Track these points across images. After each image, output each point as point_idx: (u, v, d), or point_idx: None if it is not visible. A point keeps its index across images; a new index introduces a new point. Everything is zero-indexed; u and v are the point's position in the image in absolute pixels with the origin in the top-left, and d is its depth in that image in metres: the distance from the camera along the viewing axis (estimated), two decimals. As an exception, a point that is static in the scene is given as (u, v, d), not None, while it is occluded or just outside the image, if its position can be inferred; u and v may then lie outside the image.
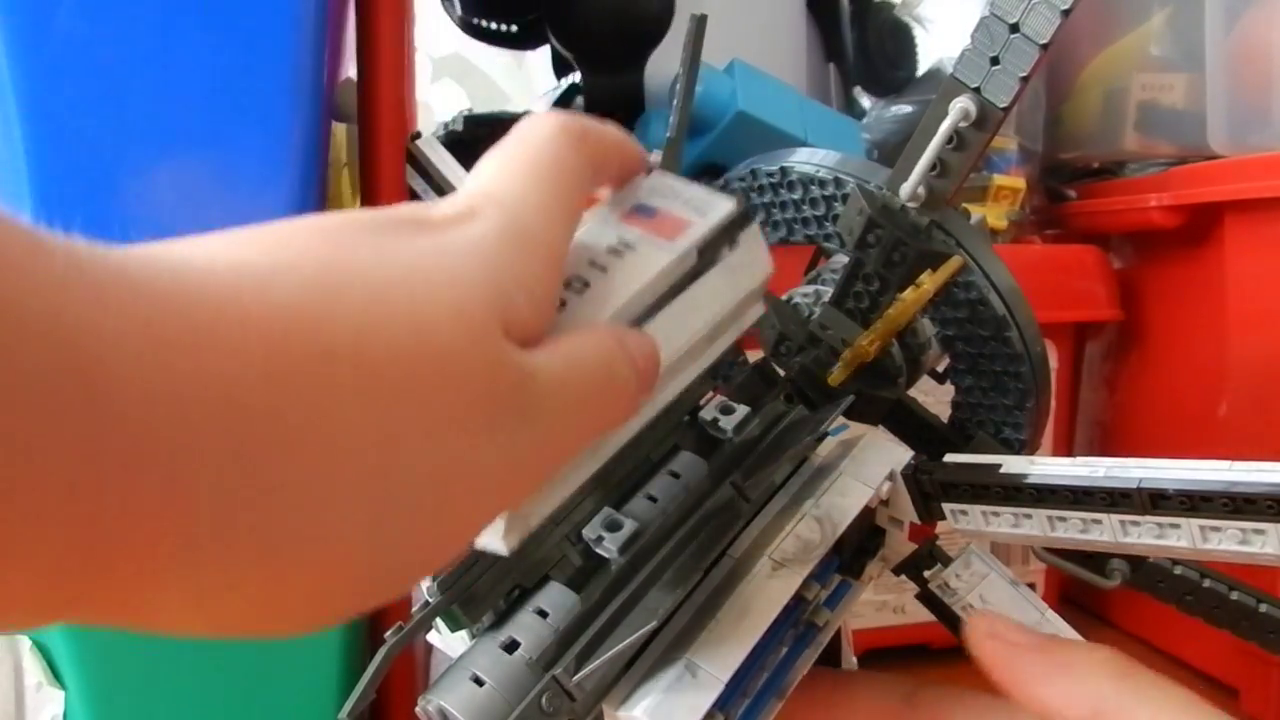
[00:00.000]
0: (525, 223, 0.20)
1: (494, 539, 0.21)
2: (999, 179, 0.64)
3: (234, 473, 0.14)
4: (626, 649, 0.23)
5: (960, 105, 0.27)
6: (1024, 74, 0.26)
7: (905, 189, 0.29)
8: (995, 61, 0.27)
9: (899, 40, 0.74)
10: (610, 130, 0.24)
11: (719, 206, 0.24)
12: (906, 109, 0.71)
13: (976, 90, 0.27)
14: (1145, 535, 0.23)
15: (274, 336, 0.15)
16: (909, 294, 0.28)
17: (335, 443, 0.16)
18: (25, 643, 0.45)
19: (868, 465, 0.28)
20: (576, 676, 0.22)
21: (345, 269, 0.17)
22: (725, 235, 0.24)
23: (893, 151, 0.67)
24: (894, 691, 0.27)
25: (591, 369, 0.20)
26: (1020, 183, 0.65)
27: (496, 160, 0.22)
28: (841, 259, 0.31)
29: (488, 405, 0.18)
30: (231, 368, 0.15)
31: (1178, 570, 0.28)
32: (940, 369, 0.34)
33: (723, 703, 0.23)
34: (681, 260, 0.23)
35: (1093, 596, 0.67)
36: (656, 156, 0.38)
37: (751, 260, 0.25)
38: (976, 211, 0.63)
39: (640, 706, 0.23)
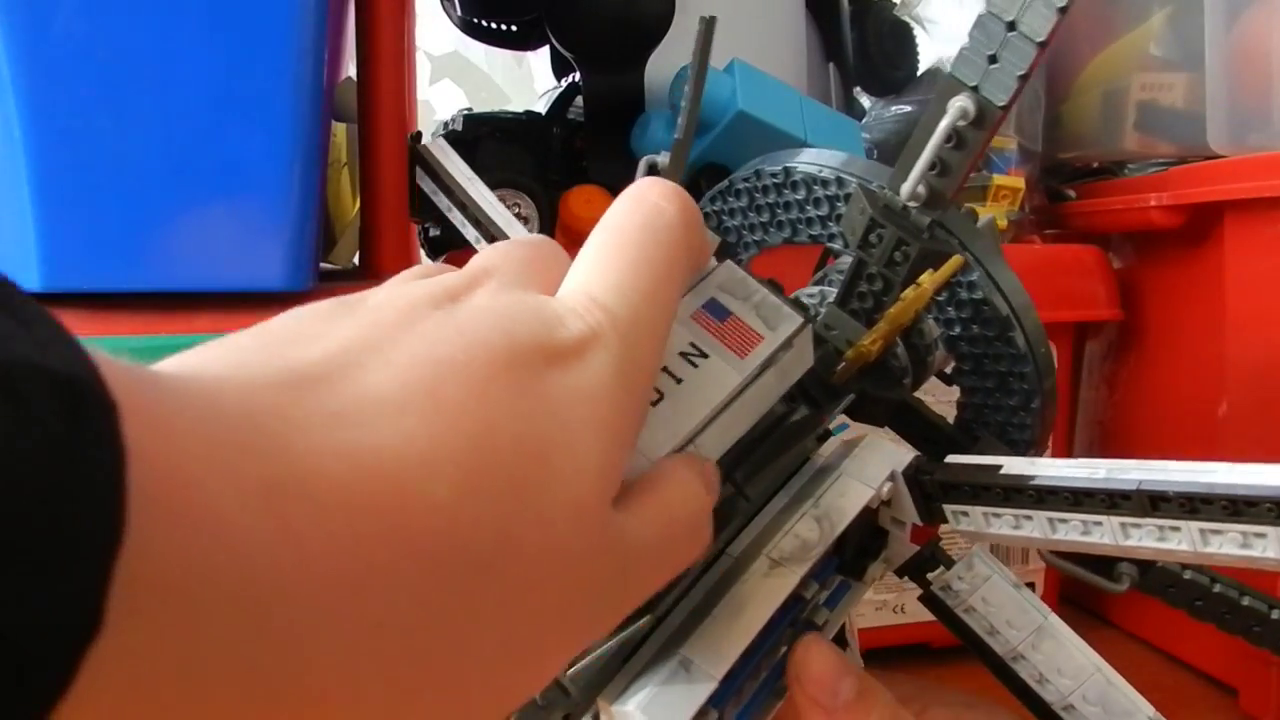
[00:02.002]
0: (639, 357, 0.20)
1: None
2: (999, 179, 0.64)
3: (378, 685, 0.15)
4: (618, 644, 0.23)
5: (959, 104, 0.27)
6: (1022, 72, 0.26)
7: (905, 188, 0.28)
8: (993, 60, 0.26)
9: (899, 40, 0.73)
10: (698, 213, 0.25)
11: (786, 321, 0.25)
12: (906, 109, 0.71)
13: (975, 89, 0.27)
14: (1146, 538, 0.23)
15: (426, 550, 0.16)
16: (909, 293, 0.28)
17: (465, 647, 0.17)
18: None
19: (868, 465, 0.28)
20: (570, 670, 0.23)
21: (492, 456, 0.17)
22: (787, 345, 0.25)
23: (893, 151, 0.67)
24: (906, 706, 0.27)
25: (684, 529, 0.21)
26: (1020, 183, 0.65)
27: (617, 248, 0.22)
28: (848, 259, 0.31)
29: (593, 588, 0.19)
30: (387, 586, 0.15)
31: (1188, 575, 0.28)
32: (948, 371, 0.34)
33: (718, 700, 0.23)
34: (748, 378, 0.24)
35: (1093, 597, 0.67)
36: (664, 158, 0.38)
37: (800, 356, 0.26)
38: (981, 213, 0.63)
39: (634, 701, 0.23)
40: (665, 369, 0.24)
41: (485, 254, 0.23)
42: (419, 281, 0.21)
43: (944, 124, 0.27)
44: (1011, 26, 0.26)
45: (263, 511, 0.14)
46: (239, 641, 0.13)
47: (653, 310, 0.21)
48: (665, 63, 0.60)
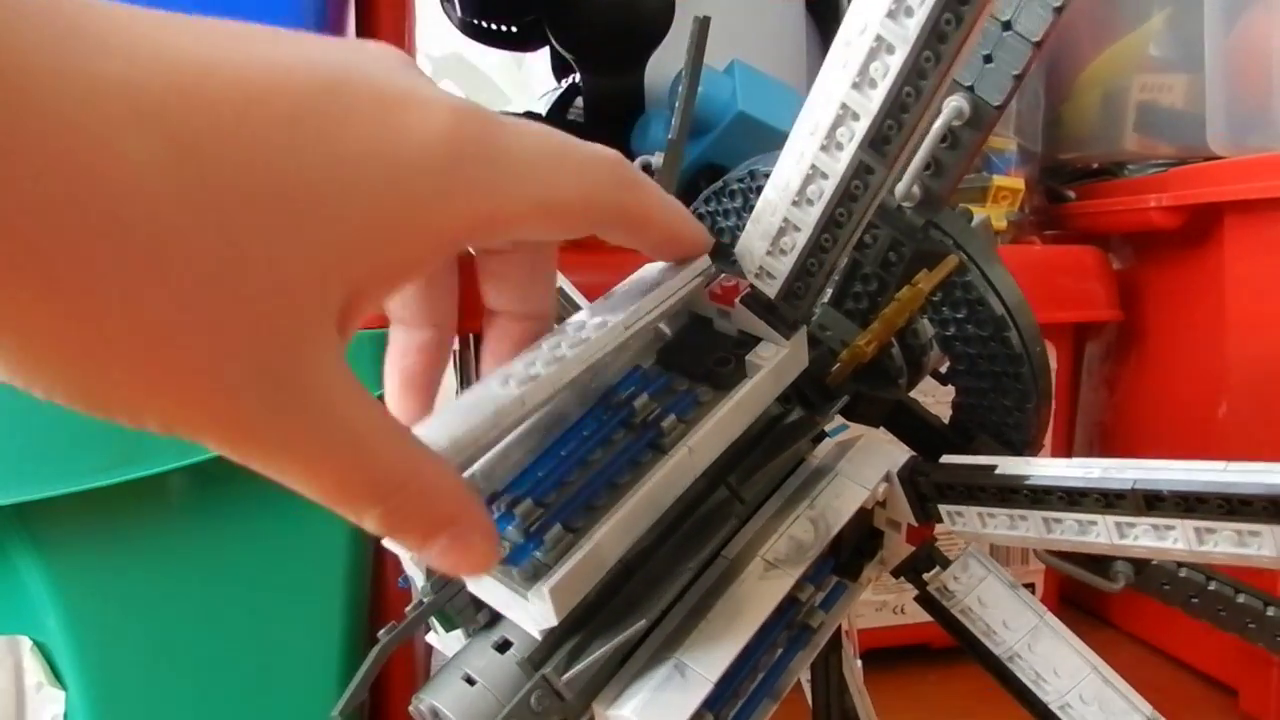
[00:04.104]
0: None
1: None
2: (998, 180, 0.64)
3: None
4: (613, 649, 0.23)
5: (954, 104, 0.27)
6: (1017, 72, 0.26)
7: (900, 189, 0.28)
8: (988, 59, 0.26)
9: (899, 41, 0.73)
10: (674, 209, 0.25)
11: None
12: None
13: (970, 89, 0.27)
14: (1142, 537, 0.23)
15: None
16: (904, 293, 0.28)
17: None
18: (26, 643, 0.45)
19: (863, 466, 0.28)
20: (565, 676, 0.22)
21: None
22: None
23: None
24: None
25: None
26: (1019, 184, 0.65)
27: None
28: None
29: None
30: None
31: (1183, 573, 0.28)
32: (943, 370, 0.34)
33: (713, 703, 0.23)
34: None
35: (1092, 597, 0.67)
36: (659, 158, 0.38)
37: (795, 358, 0.27)
38: (978, 213, 0.63)
39: (629, 706, 0.22)
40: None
41: None
42: None
43: (939, 124, 0.27)
44: (1007, 26, 0.26)
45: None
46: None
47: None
48: (665, 63, 0.60)
